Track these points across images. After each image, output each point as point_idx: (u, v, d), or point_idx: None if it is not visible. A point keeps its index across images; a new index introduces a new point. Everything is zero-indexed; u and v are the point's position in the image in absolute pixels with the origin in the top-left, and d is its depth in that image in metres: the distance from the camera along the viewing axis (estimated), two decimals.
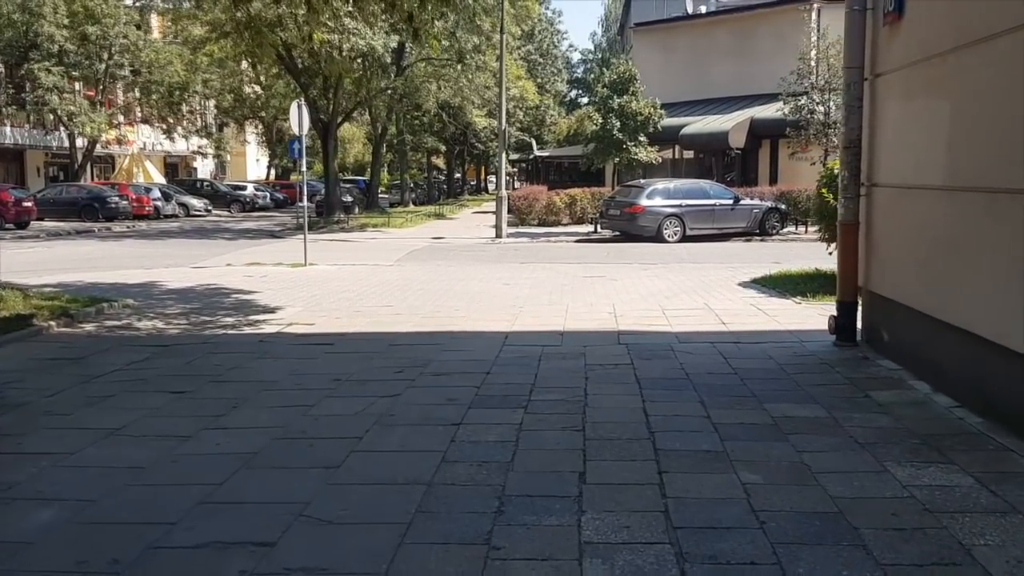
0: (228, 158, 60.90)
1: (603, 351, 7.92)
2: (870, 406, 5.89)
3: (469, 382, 6.71)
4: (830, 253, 12.42)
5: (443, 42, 26.40)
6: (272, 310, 10.76)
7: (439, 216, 35.19)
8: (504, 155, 23.63)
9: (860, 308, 7.96)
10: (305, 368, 7.39)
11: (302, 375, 7.12)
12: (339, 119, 30.04)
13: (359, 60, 26.97)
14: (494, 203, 30.51)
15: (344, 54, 25.03)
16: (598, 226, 24.20)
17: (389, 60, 28.03)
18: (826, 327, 8.75)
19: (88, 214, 33.01)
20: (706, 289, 12.31)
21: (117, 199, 33.90)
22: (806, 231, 24.16)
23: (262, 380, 6.94)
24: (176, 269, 16.12)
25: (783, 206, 24.02)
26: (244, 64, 39.52)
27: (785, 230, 23.77)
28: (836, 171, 12.12)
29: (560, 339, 8.56)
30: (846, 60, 7.71)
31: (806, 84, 24.33)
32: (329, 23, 22.34)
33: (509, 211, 28.91)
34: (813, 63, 24.52)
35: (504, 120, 23.48)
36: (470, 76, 30.64)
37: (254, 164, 73.81)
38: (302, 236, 26.58)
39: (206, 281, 13.94)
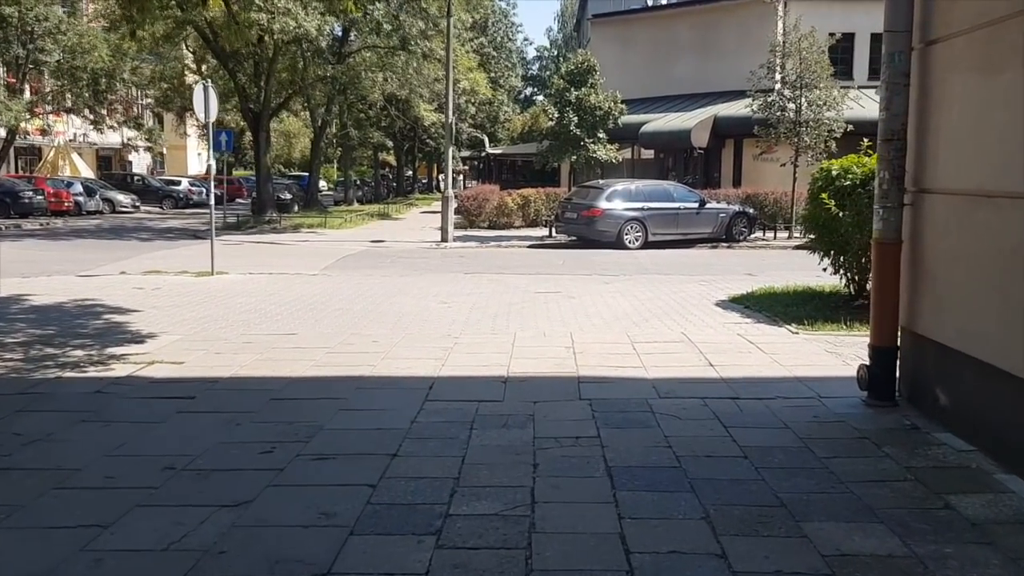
0: (164, 151, 57.66)
1: (559, 412, 5.84)
2: (962, 528, 3.89)
3: (363, 474, 4.59)
4: (824, 269, 10.62)
5: (385, 26, 24.19)
6: (141, 339, 8.50)
7: (383, 216, 32.82)
8: (450, 151, 21.47)
9: (899, 355, 6.00)
10: (136, 443, 5.20)
11: (124, 457, 4.93)
12: (271, 109, 27.54)
13: (292, 46, 24.57)
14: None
15: (276, 37, 22.70)
16: (553, 230, 22.16)
17: (325, 45, 25.68)
18: (842, 372, 6.88)
19: None
20: (680, 311, 10.31)
21: (31, 194, 31.08)
22: (775, 237, 22.50)
23: (61, 467, 4.74)
24: (60, 278, 13.71)
25: (751, 210, 22.24)
26: (185, 52, 36.79)
27: (753, 236, 22.00)
28: (835, 172, 10.29)
29: (502, 390, 6.46)
30: (887, 23, 5.75)
31: (777, 79, 22.57)
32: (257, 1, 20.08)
33: (457, 212, 26.79)
34: (781, 58, 22.70)
35: (451, 112, 21.30)
36: (415, 64, 28.34)
37: (195, 158, 70.50)
38: (230, 236, 24.31)
39: (85, 295, 11.58)
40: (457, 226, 25.07)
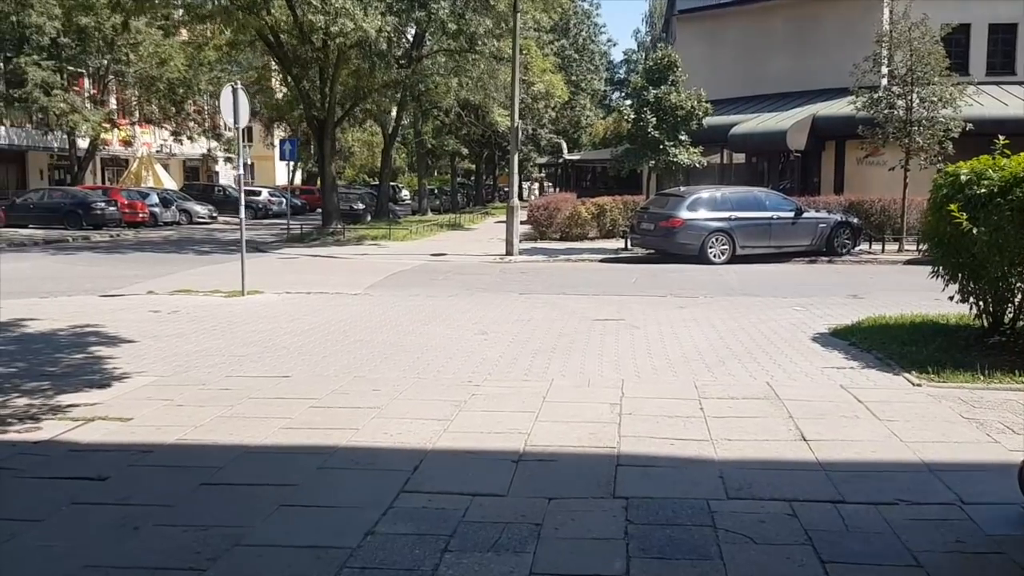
0: (249, 161, 57.88)
1: (580, 520, 4.12)
2: None
3: None
4: (951, 298, 8.53)
5: (450, 26, 22.74)
6: (107, 383, 7.12)
7: (454, 226, 31.43)
8: (516, 156, 19.84)
9: None
10: None
11: None
12: (336, 116, 26.44)
13: (356, 49, 23.39)
14: (523, 212, 26.77)
15: (336, 40, 21.54)
16: (628, 242, 20.28)
17: (386, 47, 24.42)
18: (988, 454, 5.07)
19: (71, 221, 29.96)
20: (768, 349, 8.40)
21: (103, 205, 30.81)
22: (883, 250, 20.10)
23: None
24: (79, 298, 12.63)
25: (855, 220, 19.87)
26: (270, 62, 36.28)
27: (857, 249, 19.64)
28: (965, 177, 8.22)
29: (510, 475, 4.76)
30: None
31: (883, 73, 20.17)
32: (314, 1, 18.93)
33: (528, 223, 25.24)
34: (888, 49, 20.27)
35: (516, 114, 19.65)
36: (485, 67, 26.84)
37: (283, 168, 70.91)
38: (290, 249, 23.27)
39: (90, 320, 10.38)
40: (527, 238, 23.52)
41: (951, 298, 8.46)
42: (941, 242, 8.45)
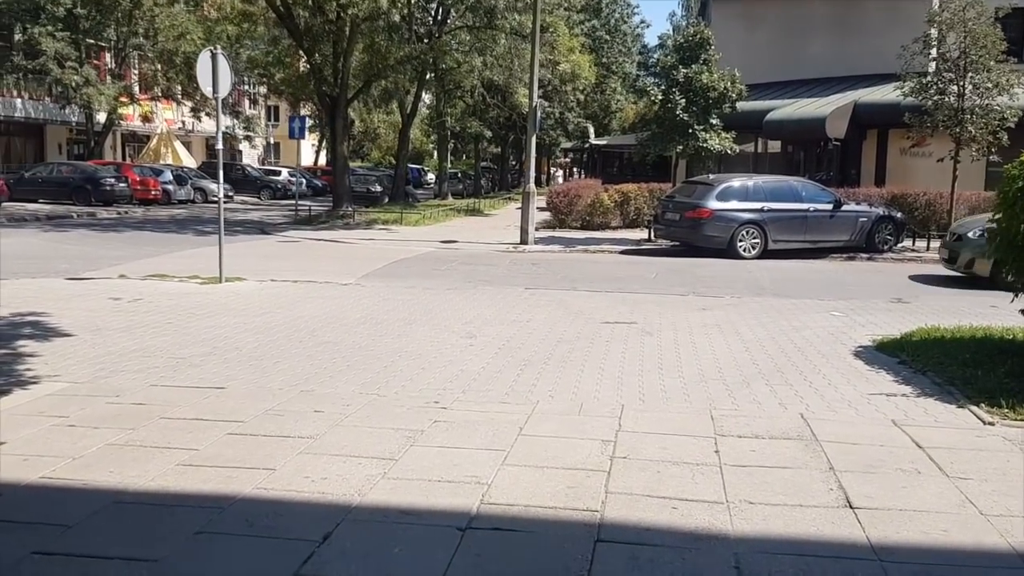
0: (271, 140, 56.97)
1: None
2: None
3: None
4: (1022, 311, 7.18)
5: None
6: (5, 389, 5.98)
7: (473, 212, 30.10)
8: (533, 140, 18.48)
9: None
10: None
11: None
12: (350, 94, 25.20)
13: (370, 22, 22.13)
14: (543, 199, 25.50)
15: (351, 12, 20.32)
16: (652, 233, 18.89)
17: (399, 19, 23.10)
18: None
19: (80, 196, 29.14)
20: (801, 367, 7.06)
21: (113, 181, 29.93)
22: (927, 247, 18.56)
23: None
24: (42, 281, 11.58)
25: (898, 214, 18.34)
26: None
27: (900, 246, 18.13)
28: None
29: (449, 553, 3.50)
30: None
31: (933, 55, 18.56)
32: None
33: (547, 210, 23.93)
34: (941, 29, 18.61)
35: (535, 90, 18.28)
36: (506, 43, 25.46)
37: (310, 148, 70.05)
38: (296, 232, 22.17)
39: (38, 307, 9.31)
40: (547, 226, 22.26)
41: (1022, 311, 7.08)
42: (1013, 244, 7.06)
